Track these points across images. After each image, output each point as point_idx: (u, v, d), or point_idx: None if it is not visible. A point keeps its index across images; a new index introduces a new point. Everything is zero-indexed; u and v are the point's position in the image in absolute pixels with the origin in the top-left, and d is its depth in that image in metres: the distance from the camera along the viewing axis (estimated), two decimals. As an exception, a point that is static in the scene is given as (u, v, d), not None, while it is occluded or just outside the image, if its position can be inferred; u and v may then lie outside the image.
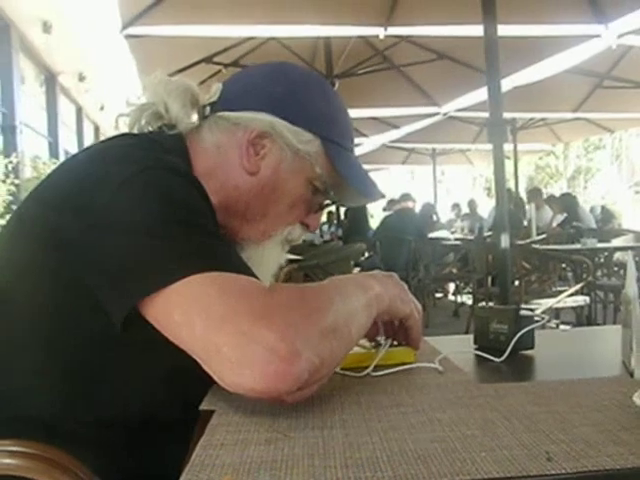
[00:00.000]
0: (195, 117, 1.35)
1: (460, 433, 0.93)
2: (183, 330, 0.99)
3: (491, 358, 1.41)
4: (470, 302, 8.19)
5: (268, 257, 1.36)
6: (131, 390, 1.14)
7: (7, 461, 0.99)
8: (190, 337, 0.98)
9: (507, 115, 5.70)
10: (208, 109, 1.34)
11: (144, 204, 1.05)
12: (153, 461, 1.16)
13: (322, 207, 1.42)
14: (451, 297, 10.65)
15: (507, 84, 7.95)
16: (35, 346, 1.13)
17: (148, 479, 1.17)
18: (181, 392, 1.17)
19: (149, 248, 1.01)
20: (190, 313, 0.97)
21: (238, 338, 0.93)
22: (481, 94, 9.38)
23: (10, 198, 9.02)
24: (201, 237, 1.05)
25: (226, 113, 1.31)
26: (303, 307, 1.01)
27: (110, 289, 1.03)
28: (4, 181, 9.23)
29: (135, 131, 1.34)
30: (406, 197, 10.68)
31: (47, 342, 1.12)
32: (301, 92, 1.34)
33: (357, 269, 9.73)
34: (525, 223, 9.76)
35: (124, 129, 1.35)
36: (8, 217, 1.26)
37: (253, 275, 1.06)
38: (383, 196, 1.43)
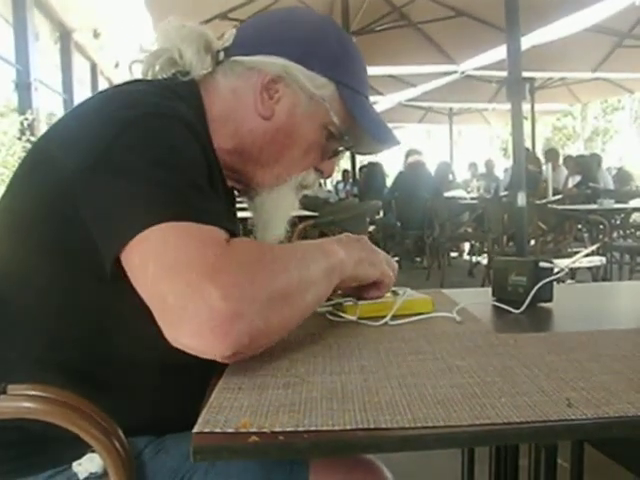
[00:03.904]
0: (209, 63, 1.33)
1: (479, 380, 0.93)
2: (139, 275, 0.98)
3: (510, 309, 1.40)
4: (485, 262, 8.18)
5: (282, 202, 1.35)
6: (146, 334, 1.13)
7: (25, 404, 0.99)
8: (143, 282, 0.97)
9: (525, 74, 5.63)
10: (222, 54, 1.32)
11: (134, 150, 1.03)
12: (169, 405, 1.16)
13: (337, 153, 1.40)
14: (466, 257, 10.63)
15: (525, 42, 7.84)
16: (48, 289, 1.13)
17: (164, 423, 1.18)
18: None
19: (129, 195, 1.00)
20: (146, 259, 0.96)
21: (183, 289, 0.91)
22: (499, 52, 9.31)
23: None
24: (180, 185, 1.02)
25: (240, 58, 1.30)
26: (257, 267, 0.98)
27: (100, 236, 1.03)
28: (19, 138, 9.20)
29: (149, 78, 1.33)
30: (412, 152, 10.70)
31: (59, 284, 1.12)
32: (315, 36, 1.32)
33: (372, 227, 9.76)
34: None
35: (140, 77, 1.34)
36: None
37: (231, 230, 1.04)
38: (398, 143, 1.40)
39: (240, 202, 1.47)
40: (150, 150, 1.04)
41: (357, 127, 1.32)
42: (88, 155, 1.04)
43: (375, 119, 1.36)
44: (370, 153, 1.55)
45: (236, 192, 1.43)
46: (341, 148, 1.39)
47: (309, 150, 1.34)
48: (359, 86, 1.34)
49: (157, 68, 1.32)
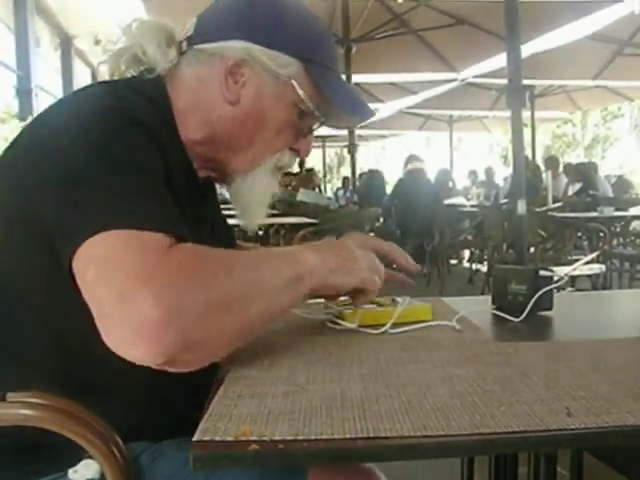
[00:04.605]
0: (174, 55, 1.31)
1: (479, 389, 0.93)
2: (80, 281, 0.96)
3: (509, 318, 1.40)
4: (485, 269, 8.18)
5: (258, 186, 1.34)
6: None
7: (23, 412, 0.99)
8: (84, 288, 0.95)
9: (525, 82, 5.64)
10: (185, 44, 1.31)
11: (85, 157, 1.02)
12: (166, 411, 1.16)
13: (312, 130, 1.39)
14: (466, 264, 10.62)
15: (526, 50, 7.85)
16: (43, 292, 1.12)
17: (161, 429, 1.18)
18: None
19: (75, 204, 0.99)
20: (87, 265, 0.94)
21: (115, 297, 0.90)
22: (499, 60, 9.31)
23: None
24: (129, 190, 1.00)
25: (202, 45, 1.28)
26: (196, 272, 0.95)
27: (58, 244, 1.01)
28: (20, 144, 9.23)
29: (116, 78, 1.32)
30: (412, 158, 10.66)
31: (52, 288, 1.11)
32: (275, 15, 1.30)
33: (372, 234, 9.75)
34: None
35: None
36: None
37: (181, 235, 1.00)
38: (372, 114, 1.39)
39: (230, 209, 1.46)
40: (101, 156, 1.02)
41: (328, 102, 1.30)
42: (44, 165, 1.04)
43: (344, 92, 1.34)
44: (347, 127, 1.53)
45: (217, 184, 1.42)
46: (316, 125, 1.38)
47: (281, 131, 1.32)
48: (326, 60, 1.33)
49: (122, 68, 1.31)
